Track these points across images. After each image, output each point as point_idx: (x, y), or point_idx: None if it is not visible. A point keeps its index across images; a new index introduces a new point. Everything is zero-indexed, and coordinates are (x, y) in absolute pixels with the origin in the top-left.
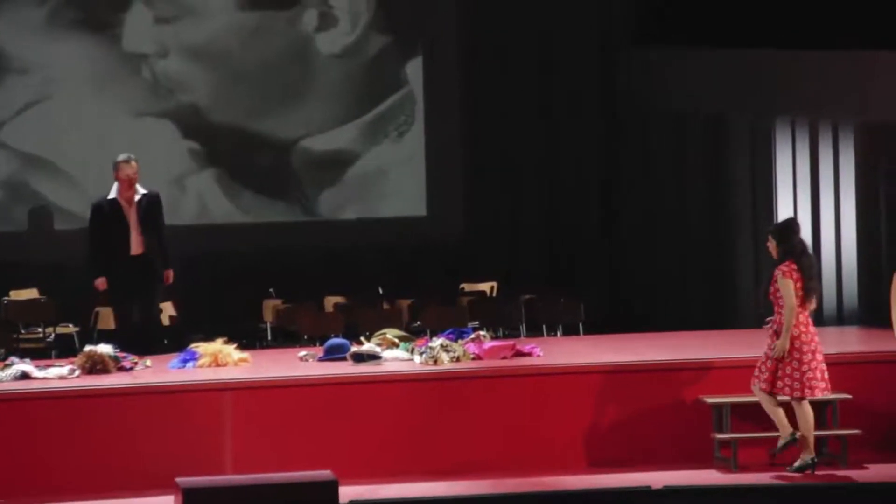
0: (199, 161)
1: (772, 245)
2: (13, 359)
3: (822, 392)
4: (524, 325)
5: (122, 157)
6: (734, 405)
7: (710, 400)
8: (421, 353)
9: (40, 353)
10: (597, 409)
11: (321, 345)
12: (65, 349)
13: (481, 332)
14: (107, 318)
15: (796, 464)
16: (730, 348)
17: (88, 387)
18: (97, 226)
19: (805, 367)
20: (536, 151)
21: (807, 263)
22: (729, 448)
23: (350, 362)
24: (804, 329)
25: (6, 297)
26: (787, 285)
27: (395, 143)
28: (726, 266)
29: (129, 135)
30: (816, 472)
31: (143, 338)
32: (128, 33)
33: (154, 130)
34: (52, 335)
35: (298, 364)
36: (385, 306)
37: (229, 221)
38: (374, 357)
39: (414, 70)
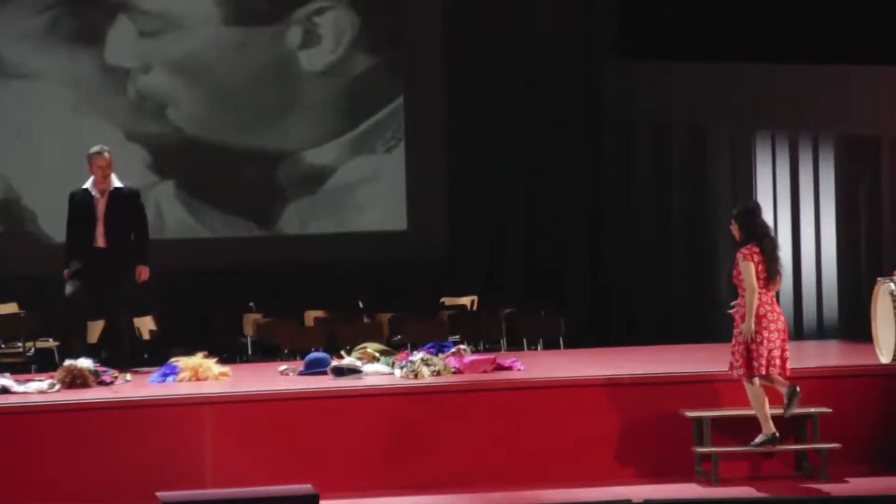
0: (181, 175)
1: (734, 228)
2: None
3: (777, 372)
4: (505, 338)
5: (94, 148)
6: (714, 419)
7: (690, 413)
8: (401, 367)
9: (20, 368)
10: (577, 423)
11: (302, 359)
12: (45, 363)
13: (462, 346)
14: (88, 332)
15: (756, 440)
16: (710, 362)
17: (68, 401)
18: (69, 215)
19: (771, 346)
20: (518, 165)
21: (769, 245)
22: (709, 462)
23: (331, 376)
24: (769, 308)
25: None
26: (747, 268)
27: (377, 157)
28: (707, 279)
29: (111, 148)
30: (798, 486)
31: (107, 342)
32: (111, 47)
33: (136, 144)
34: (32, 349)
35: (279, 378)
36: (365, 320)
37: (211, 236)
38: (354, 371)
39: (397, 84)
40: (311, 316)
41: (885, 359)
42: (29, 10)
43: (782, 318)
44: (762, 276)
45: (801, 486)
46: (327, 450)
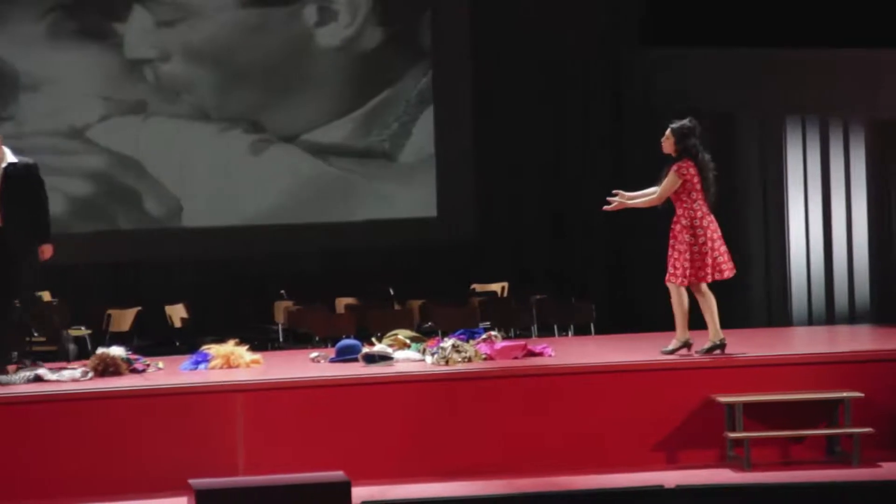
0: (208, 163)
1: (668, 142)
2: (26, 362)
3: (718, 276)
4: (535, 325)
5: None
6: (746, 404)
7: (722, 399)
8: (432, 354)
9: (53, 356)
10: (608, 409)
11: (333, 346)
12: (77, 352)
13: (493, 333)
14: (119, 320)
15: (670, 346)
16: (741, 347)
17: (101, 389)
18: None
19: (716, 253)
20: (546, 151)
21: (704, 162)
22: (741, 447)
23: (361, 363)
24: (711, 219)
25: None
26: (673, 182)
27: (407, 144)
28: (737, 266)
29: (136, 138)
30: (830, 471)
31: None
32: (129, 39)
33: (160, 133)
34: None
35: (310, 365)
36: (396, 307)
37: (240, 224)
38: (385, 358)
39: (423, 74)
40: (341, 303)
41: None
42: (36, 10)
43: (714, 222)
44: (697, 188)
45: (833, 470)
46: (359, 437)
